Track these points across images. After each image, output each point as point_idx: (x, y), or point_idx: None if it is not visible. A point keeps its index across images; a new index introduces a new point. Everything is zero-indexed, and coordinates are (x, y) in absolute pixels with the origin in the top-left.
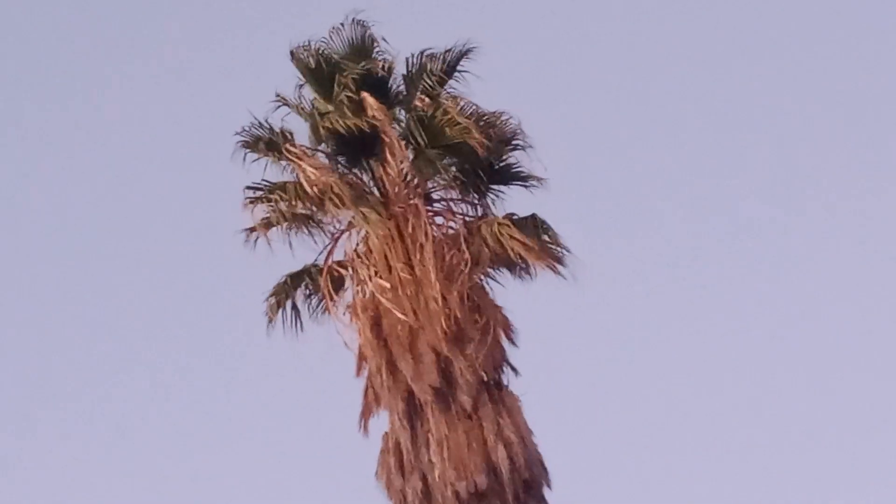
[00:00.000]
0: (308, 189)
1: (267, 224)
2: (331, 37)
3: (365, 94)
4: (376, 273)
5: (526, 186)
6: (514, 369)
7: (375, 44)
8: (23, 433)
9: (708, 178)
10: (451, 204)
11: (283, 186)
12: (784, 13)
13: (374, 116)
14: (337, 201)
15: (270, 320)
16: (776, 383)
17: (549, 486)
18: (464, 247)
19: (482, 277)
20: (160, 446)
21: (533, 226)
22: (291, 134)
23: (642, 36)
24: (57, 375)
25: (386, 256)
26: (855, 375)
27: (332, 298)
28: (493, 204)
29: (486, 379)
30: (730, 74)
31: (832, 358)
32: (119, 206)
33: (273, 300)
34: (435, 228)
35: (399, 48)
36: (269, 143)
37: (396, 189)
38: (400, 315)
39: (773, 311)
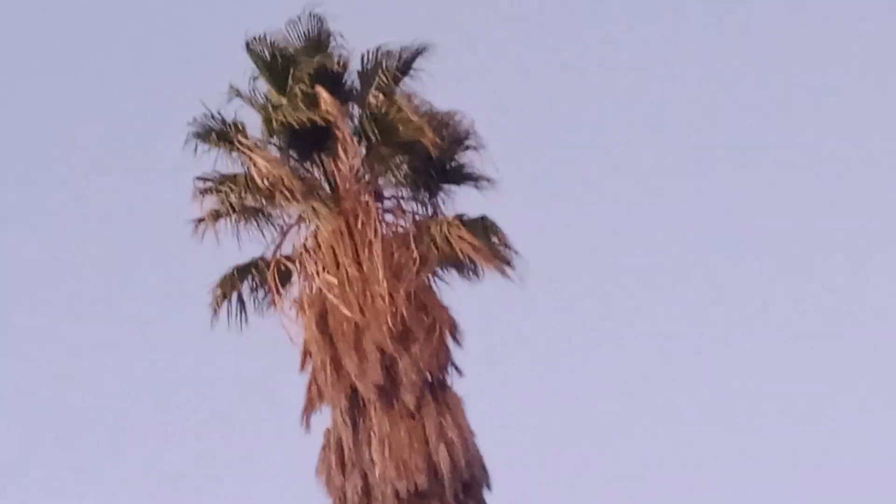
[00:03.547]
0: (258, 181)
1: (216, 215)
2: (287, 30)
3: (319, 89)
4: (324, 268)
5: (477, 187)
6: (458, 370)
7: (331, 38)
8: None
9: (663, 180)
10: (402, 202)
11: (233, 178)
12: None
13: (327, 111)
14: (287, 195)
15: (215, 312)
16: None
17: (489, 487)
18: (412, 245)
19: (430, 277)
20: (98, 437)
21: (482, 227)
22: (243, 126)
23: (594, 37)
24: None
25: (334, 252)
26: None
27: (278, 292)
28: (444, 203)
29: (429, 378)
30: (684, 72)
31: None
32: (71, 195)
33: (219, 292)
34: (384, 226)
35: (355, 44)
36: (220, 134)
37: (347, 185)
38: (346, 311)
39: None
